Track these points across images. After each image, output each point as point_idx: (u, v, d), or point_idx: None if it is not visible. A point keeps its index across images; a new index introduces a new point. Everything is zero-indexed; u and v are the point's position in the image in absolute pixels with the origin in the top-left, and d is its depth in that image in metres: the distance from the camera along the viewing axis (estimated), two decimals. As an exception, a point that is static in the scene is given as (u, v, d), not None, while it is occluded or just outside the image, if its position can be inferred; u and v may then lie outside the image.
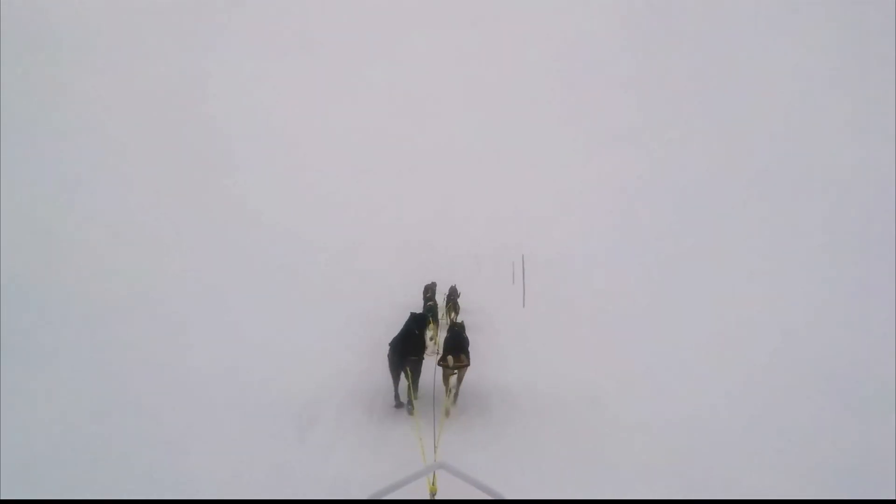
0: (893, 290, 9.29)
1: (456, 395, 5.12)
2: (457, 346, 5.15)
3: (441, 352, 5.22)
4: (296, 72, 45.38)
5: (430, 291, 10.62)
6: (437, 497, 2.15)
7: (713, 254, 17.76)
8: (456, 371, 5.00)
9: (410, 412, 4.85)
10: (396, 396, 5.11)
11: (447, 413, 4.82)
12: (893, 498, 3.23)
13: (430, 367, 5.21)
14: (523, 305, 11.60)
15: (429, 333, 7.45)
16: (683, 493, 3.32)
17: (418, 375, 5.20)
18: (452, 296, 10.29)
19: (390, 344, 5.27)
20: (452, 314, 9.54)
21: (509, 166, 43.19)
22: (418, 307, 9.27)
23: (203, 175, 26.36)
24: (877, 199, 18.23)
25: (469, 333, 6.03)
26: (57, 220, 15.37)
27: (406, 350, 5.13)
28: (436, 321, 7.76)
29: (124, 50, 33.60)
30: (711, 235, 21.73)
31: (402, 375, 5.02)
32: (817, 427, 4.26)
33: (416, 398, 5.06)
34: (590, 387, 5.49)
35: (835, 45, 32.67)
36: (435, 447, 3.63)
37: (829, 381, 5.39)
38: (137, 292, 10.08)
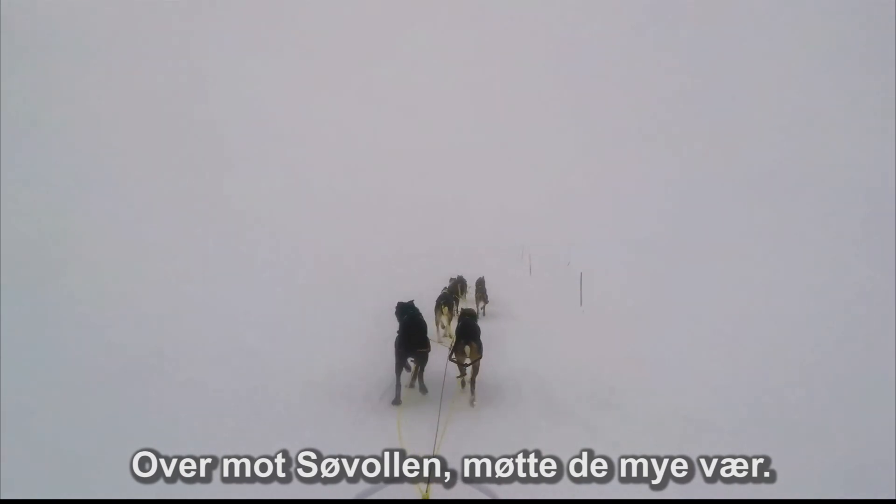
0: (893, 288, 9.29)
1: (472, 384, 5.02)
2: (468, 334, 5.08)
3: (453, 341, 5.13)
4: (298, 72, 45.39)
5: (455, 283, 10.63)
6: (431, 497, 2.14)
7: (713, 250, 17.79)
8: (470, 361, 4.95)
9: (423, 392, 5.11)
10: (398, 391, 4.95)
11: (472, 403, 4.86)
12: (893, 498, 3.24)
13: (439, 359, 5.14)
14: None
15: (443, 319, 7.52)
16: (682, 492, 3.31)
17: (424, 365, 5.22)
18: (481, 286, 10.37)
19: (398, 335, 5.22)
20: (462, 302, 9.84)
21: (510, 166, 43.24)
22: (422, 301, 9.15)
23: (200, 174, 26.38)
24: (877, 199, 18.21)
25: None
26: (58, 219, 15.37)
27: (413, 341, 5.10)
28: (451, 310, 7.72)
29: (122, 50, 33.64)
30: (711, 232, 21.75)
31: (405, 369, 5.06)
32: (817, 426, 4.26)
33: (424, 391, 5.11)
34: (601, 380, 5.55)
35: (834, 44, 32.65)
36: (435, 446, 3.60)
37: (830, 380, 5.40)
38: (136, 291, 10.09)
